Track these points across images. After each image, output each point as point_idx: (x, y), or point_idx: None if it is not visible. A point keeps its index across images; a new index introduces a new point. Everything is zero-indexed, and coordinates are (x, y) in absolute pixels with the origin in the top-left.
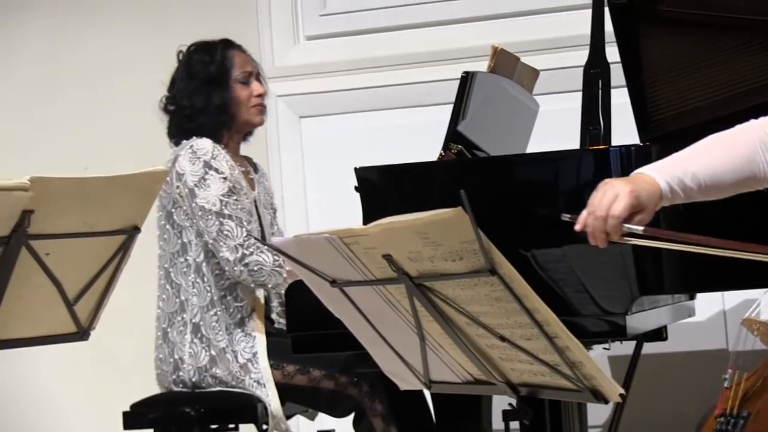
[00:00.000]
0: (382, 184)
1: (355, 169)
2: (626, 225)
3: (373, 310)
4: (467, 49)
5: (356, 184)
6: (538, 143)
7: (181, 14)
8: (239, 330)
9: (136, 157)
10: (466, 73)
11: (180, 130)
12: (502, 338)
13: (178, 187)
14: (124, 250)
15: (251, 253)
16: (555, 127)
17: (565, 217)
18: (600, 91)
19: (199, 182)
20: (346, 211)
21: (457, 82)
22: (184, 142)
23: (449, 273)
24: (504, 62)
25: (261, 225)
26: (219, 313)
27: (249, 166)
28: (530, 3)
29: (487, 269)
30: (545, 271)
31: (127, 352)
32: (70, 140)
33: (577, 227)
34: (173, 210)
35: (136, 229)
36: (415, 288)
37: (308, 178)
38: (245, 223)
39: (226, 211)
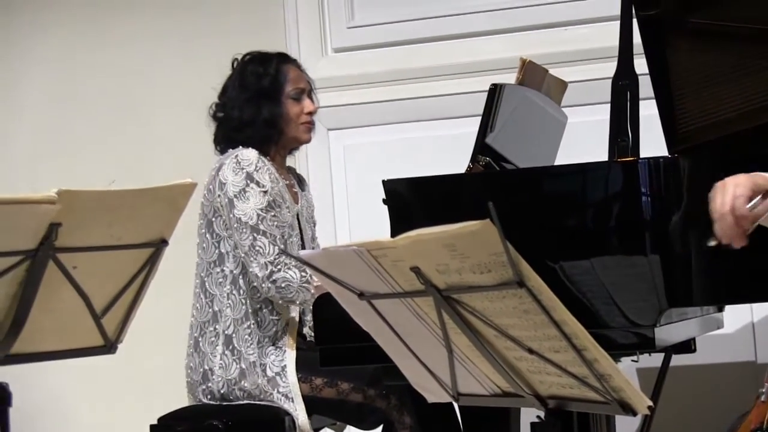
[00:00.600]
0: (410, 196)
1: (383, 181)
2: (751, 203)
3: (401, 323)
4: (495, 62)
5: (384, 196)
6: (566, 155)
7: (208, 26)
8: (271, 344)
9: (163, 170)
10: (495, 85)
11: (226, 139)
12: (531, 350)
13: (219, 196)
14: (151, 263)
15: (279, 270)
16: (583, 139)
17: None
18: (628, 102)
19: (239, 193)
20: (374, 223)
21: (486, 95)
22: (230, 150)
23: (477, 285)
24: (532, 74)
25: (302, 239)
26: (252, 326)
27: (294, 178)
28: (558, 15)
29: (515, 281)
30: (573, 284)
31: (155, 365)
32: (98, 153)
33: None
34: (213, 219)
35: (164, 242)
36: (443, 300)
37: (336, 191)
38: (278, 241)
39: (261, 227)
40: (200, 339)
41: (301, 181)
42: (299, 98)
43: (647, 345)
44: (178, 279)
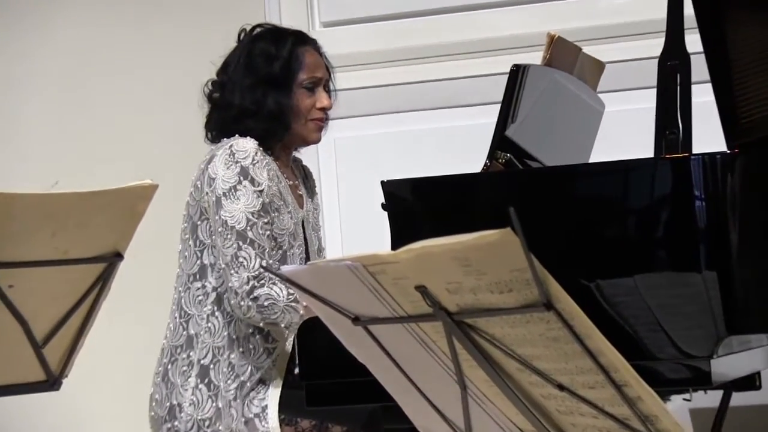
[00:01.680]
0: (415, 200)
1: (382, 182)
2: None
3: (403, 353)
4: (517, 38)
5: (383, 200)
6: (603, 151)
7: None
8: (257, 377)
9: (118, 168)
10: (517, 66)
11: (221, 127)
12: (561, 387)
13: (207, 194)
14: (103, 281)
15: (262, 285)
16: (623, 132)
17: None
18: (678, 87)
19: (229, 191)
20: (371, 233)
21: (506, 78)
22: (224, 140)
23: (496, 308)
24: (562, 53)
25: (307, 251)
26: (237, 356)
27: (299, 177)
28: None
29: (541, 303)
30: (613, 306)
31: (108, 398)
32: (38, 149)
33: None
34: (199, 223)
35: (118, 256)
36: (454, 326)
37: (325, 194)
38: (266, 255)
39: (249, 234)
40: (170, 367)
41: (308, 179)
42: (313, 89)
43: (702, 380)
44: (140, 298)
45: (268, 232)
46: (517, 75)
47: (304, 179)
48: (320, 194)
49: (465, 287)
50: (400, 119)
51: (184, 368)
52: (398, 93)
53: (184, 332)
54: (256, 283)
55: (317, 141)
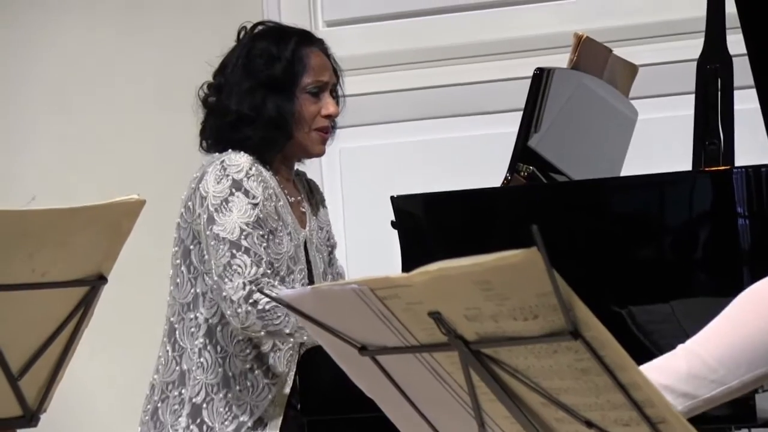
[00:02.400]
0: (428, 217)
1: (392, 198)
2: None
3: (415, 386)
4: (541, 38)
5: (393, 217)
6: (635, 163)
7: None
8: (257, 416)
9: (102, 182)
10: (540, 69)
11: (217, 136)
12: (589, 424)
13: (199, 215)
14: (84, 306)
15: (261, 290)
16: (658, 142)
17: None
18: (719, 92)
19: (220, 205)
20: (379, 252)
21: (528, 82)
22: (216, 155)
23: (520, 336)
24: (591, 55)
25: (310, 275)
26: (233, 395)
27: (303, 192)
28: None
29: (567, 331)
30: (647, 334)
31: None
32: (13, 160)
33: None
34: (192, 247)
35: (102, 279)
36: (472, 356)
37: (330, 209)
38: (264, 264)
39: (243, 243)
40: (160, 405)
41: (313, 193)
42: (318, 95)
43: (746, 417)
44: (125, 326)
45: (264, 244)
46: (540, 79)
47: (308, 194)
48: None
49: (485, 313)
50: (411, 128)
51: (175, 406)
52: (409, 99)
53: (177, 367)
54: (253, 288)
55: (321, 153)
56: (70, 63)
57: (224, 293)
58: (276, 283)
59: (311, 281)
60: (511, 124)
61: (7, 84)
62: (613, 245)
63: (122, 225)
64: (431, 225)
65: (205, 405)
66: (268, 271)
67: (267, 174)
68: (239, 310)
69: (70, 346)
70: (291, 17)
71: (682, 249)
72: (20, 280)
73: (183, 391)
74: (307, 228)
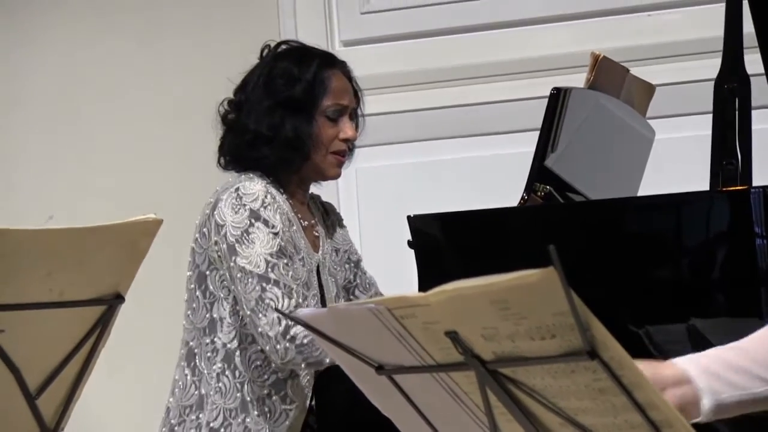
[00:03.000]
0: (445, 237)
1: (409, 217)
2: None
3: (432, 405)
4: (558, 58)
5: (410, 236)
6: (652, 183)
7: (178, 17)
8: None
9: (118, 202)
10: (557, 89)
11: (235, 153)
12: None
13: (216, 242)
14: (102, 325)
15: (297, 324)
16: (674, 162)
17: None
18: (736, 112)
19: (241, 237)
20: (395, 272)
21: (545, 102)
22: (229, 181)
23: (537, 356)
24: (608, 75)
25: (323, 298)
26: (253, 420)
27: (317, 215)
28: None
29: (585, 351)
30: (666, 354)
31: None
32: (32, 181)
33: None
34: (208, 273)
35: (119, 298)
36: (488, 376)
37: (347, 228)
38: (295, 294)
39: (271, 275)
40: (177, 428)
41: (328, 215)
42: (336, 118)
43: None
44: (142, 346)
45: (291, 273)
46: (557, 99)
47: (323, 216)
48: None
49: (502, 333)
50: (428, 148)
51: (192, 431)
52: (425, 119)
53: (196, 392)
54: (289, 322)
55: (337, 176)
56: (87, 78)
57: (260, 329)
58: None
59: (324, 306)
60: (528, 143)
61: (25, 98)
62: (630, 265)
63: (140, 244)
64: (448, 245)
65: (222, 430)
66: (300, 301)
67: (281, 199)
68: (278, 347)
69: (87, 365)
70: (308, 36)
71: (699, 269)
72: (38, 299)
73: (200, 415)
74: (320, 252)
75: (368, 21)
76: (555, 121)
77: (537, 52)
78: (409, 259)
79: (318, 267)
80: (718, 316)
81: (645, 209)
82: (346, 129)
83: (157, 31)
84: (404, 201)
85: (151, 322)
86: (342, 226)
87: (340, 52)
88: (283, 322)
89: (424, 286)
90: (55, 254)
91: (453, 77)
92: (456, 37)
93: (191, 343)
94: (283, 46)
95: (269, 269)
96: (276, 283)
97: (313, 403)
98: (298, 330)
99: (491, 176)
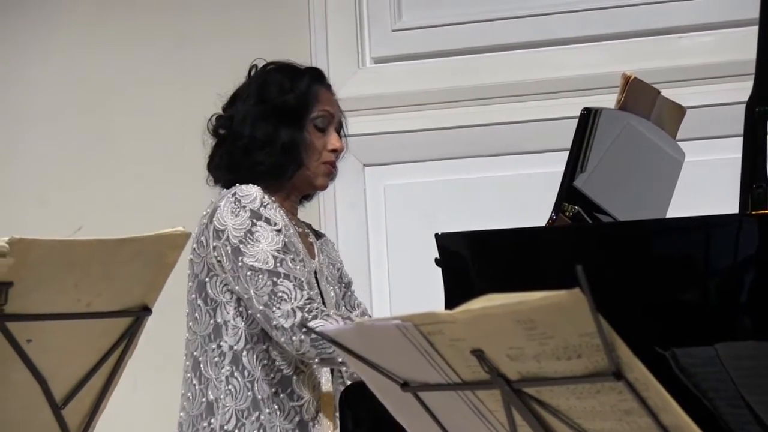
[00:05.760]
0: (472, 255)
1: (436, 235)
2: None
3: (457, 423)
4: (588, 79)
5: (437, 254)
6: (680, 205)
7: (209, 30)
8: None
9: (145, 215)
10: (587, 110)
11: (228, 162)
12: None
13: (215, 248)
14: (129, 337)
15: (314, 317)
16: (704, 185)
17: None
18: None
19: (245, 237)
20: (422, 288)
21: (575, 122)
22: (224, 191)
23: (562, 376)
24: (638, 96)
25: (324, 303)
26: (266, 417)
27: (308, 229)
28: (672, 18)
29: (611, 371)
30: (690, 377)
31: None
32: (62, 193)
33: None
34: (207, 280)
35: (146, 310)
36: (514, 395)
37: (373, 245)
38: (305, 286)
39: (281, 270)
40: None
41: (318, 236)
42: (325, 128)
43: None
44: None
45: (299, 266)
46: (587, 119)
47: (315, 234)
48: (366, 245)
49: (528, 353)
50: (457, 166)
51: None
52: (454, 137)
53: (204, 399)
54: (306, 315)
55: (324, 187)
56: (117, 89)
57: (274, 322)
58: (325, 308)
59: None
60: (557, 163)
61: (54, 110)
62: (657, 287)
63: (167, 257)
64: (475, 263)
65: (236, 431)
66: (312, 293)
67: (276, 204)
68: (294, 338)
69: (113, 377)
70: (339, 53)
71: (726, 292)
72: (65, 310)
73: (213, 420)
74: (317, 260)
75: (399, 38)
76: (585, 141)
77: (568, 72)
78: (436, 277)
79: (316, 273)
80: (745, 339)
81: (673, 231)
82: (333, 140)
83: (187, 44)
84: (432, 218)
85: (178, 335)
86: (335, 249)
87: (371, 68)
88: (299, 314)
89: (451, 303)
90: (83, 265)
91: (483, 96)
92: (486, 56)
93: (195, 353)
94: (273, 66)
95: (278, 264)
96: (286, 276)
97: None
98: (314, 324)
99: (520, 195)
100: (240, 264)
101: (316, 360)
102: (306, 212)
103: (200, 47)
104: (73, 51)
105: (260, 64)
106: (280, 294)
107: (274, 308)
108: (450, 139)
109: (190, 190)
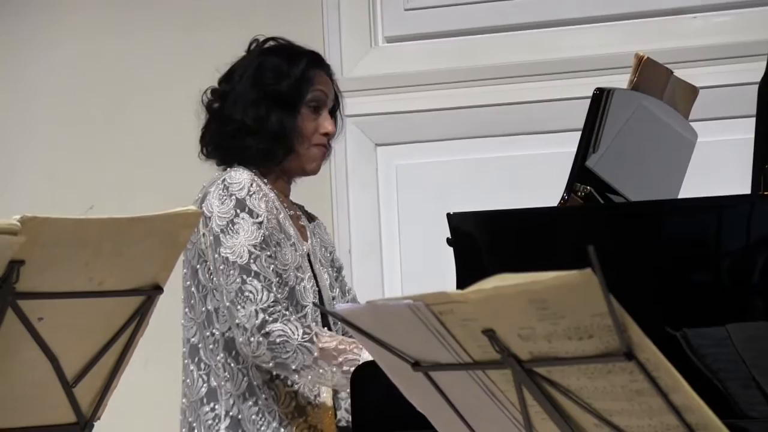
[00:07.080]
0: (484, 235)
1: (449, 215)
2: None
3: (468, 403)
4: (601, 59)
5: (449, 234)
6: (692, 186)
7: (222, 11)
8: (300, 419)
9: (157, 194)
10: (600, 90)
11: (217, 143)
12: None
13: (204, 234)
14: (140, 315)
15: (275, 320)
16: (716, 165)
17: None
18: None
19: (226, 227)
20: (434, 268)
21: (587, 102)
22: (216, 175)
23: (573, 356)
24: (651, 76)
25: (318, 285)
26: (262, 402)
27: (300, 211)
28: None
29: (622, 352)
30: (701, 357)
31: None
32: (74, 173)
33: None
34: (198, 266)
35: (158, 289)
36: (525, 375)
37: (385, 225)
38: (275, 288)
39: (253, 267)
40: (195, 425)
41: (310, 218)
42: (318, 110)
43: None
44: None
45: (272, 266)
46: (600, 100)
47: (308, 217)
48: (378, 225)
49: (539, 333)
50: (468, 146)
51: (209, 422)
52: (466, 117)
53: (205, 385)
54: (267, 317)
55: (315, 171)
56: (131, 70)
57: (237, 320)
58: (288, 313)
59: (320, 292)
60: (570, 143)
61: (68, 90)
62: (669, 267)
63: (179, 236)
64: (487, 243)
65: (240, 416)
66: (279, 296)
67: (266, 188)
68: (251, 339)
69: (124, 355)
70: (351, 32)
71: (738, 273)
72: (77, 288)
73: (216, 406)
74: (309, 242)
75: (412, 17)
76: (597, 121)
77: (581, 52)
78: (447, 257)
79: (309, 255)
80: (756, 320)
81: (686, 212)
82: (326, 124)
83: (200, 25)
84: (444, 198)
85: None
86: (327, 232)
87: (383, 48)
88: (261, 316)
89: (462, 283)
90: (94, 244)
91: (495, 75)
92: (499, 36)
93: (192, 339)
94: (272, 42)
95: (251, 260)
96: (257, 275)
97: (342, 395)
98: (274, 327)
99: (532, 175)
100: (216, 255)
101: (271, 364)
102: (318, 191)
103: (213, 28)
104: (89, 30)
105: (261, 39)
106: (246, 293)
107: (239, 306)
108: (462, 119)
109: (202, 171)
